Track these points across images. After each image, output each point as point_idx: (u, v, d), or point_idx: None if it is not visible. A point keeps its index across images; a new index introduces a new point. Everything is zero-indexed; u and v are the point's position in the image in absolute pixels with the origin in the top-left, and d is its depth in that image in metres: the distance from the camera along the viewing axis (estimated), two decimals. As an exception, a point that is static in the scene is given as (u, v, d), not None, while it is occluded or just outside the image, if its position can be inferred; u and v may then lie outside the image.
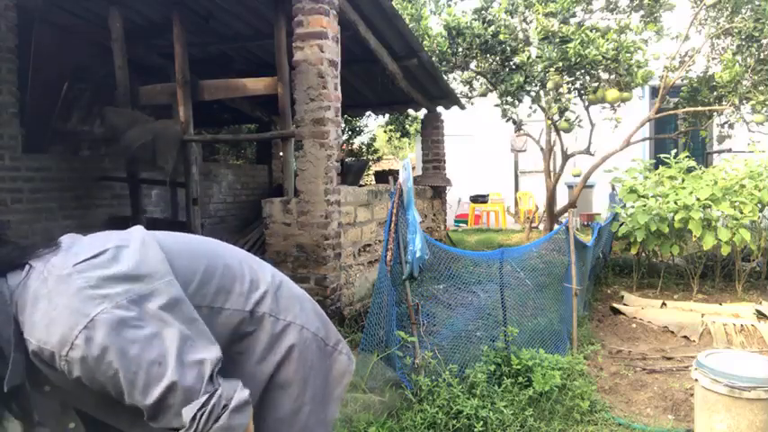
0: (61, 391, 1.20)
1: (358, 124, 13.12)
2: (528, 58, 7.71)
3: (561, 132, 8.33)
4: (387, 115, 11.08)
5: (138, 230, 1.27)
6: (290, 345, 1.35)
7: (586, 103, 8.09)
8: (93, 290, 1.07)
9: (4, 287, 1.09)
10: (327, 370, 1.48)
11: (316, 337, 1.44)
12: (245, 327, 1.32)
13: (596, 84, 7.71)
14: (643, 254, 6.77)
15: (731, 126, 8.22)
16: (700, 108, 7.86)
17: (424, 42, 8.08)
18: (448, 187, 8.88)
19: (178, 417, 1.09)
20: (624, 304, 5.72)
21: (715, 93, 7.80)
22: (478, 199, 13.05)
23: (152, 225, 4.09)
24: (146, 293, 1.12)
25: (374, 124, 14.65)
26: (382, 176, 10.02)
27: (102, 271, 1.10)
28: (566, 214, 8.04)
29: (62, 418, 1.28)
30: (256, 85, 5.33)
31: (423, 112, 8.72)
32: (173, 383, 1.07)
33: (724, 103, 7.63)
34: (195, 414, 1.08)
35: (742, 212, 5.66)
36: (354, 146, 13.88)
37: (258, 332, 1.33)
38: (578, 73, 7.65)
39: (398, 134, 13.05)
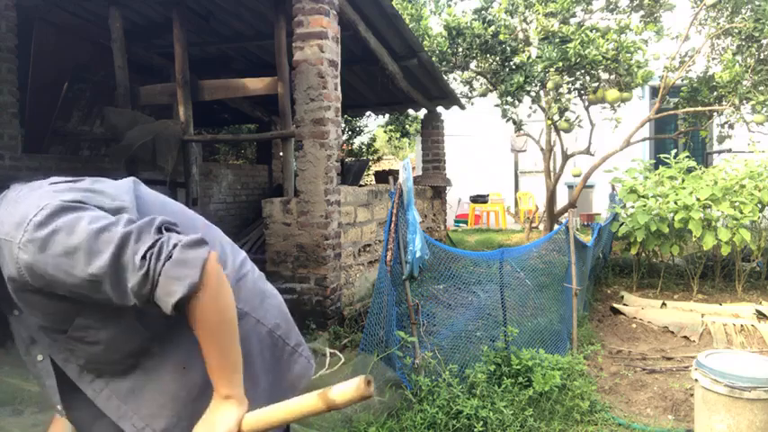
0: (25, 315, 1.21)
1: (358, 124, 13.12)
2: (528, 58, 7.71)
3: (561, 132, 8.33)
4: (387, 115, 11.08)
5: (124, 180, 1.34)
6: (242, 334, 1.29)
7: (586, 103, 8.08)
8: (57, 193, 1.13)
9: None
10: (284, 370, 1.45)
11: (272, 333, 1.42)
12: None
13: (596, 84, 7.71)
14: (643, 254, 6.77)
15: (731, 126, 8.22)
16: (700, 108, 7.86)
17: (424, 42, 8.08)
18: (448, 187, 8.88)
19: (133, 270, 1.07)
20: (624, 304, 5.72)
21: (715, 93, 7.80)
22: (478, 199, 13.05)
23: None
24: (102, 201, 1.17)
25: (374, 124, 14.60)
26: (382, 176, 10.02)
27: (71, 185, 1.18)
28: (566, 214, 8.04)
29: (30, 349, 1.28)
30: (256, 85, 5.33)
31: (423, 112, 8.72)
32: (123, 235, 1.08)
33: (724, 103, 7.63)
34: (144, 254, 1.07)
35: (742, 212, 5.66)
36: (354, 146, 13.88)
37: None
38: (578, 73, 7.65)
39: (398, 134, 13.05)
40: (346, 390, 1.15)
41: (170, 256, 1.08)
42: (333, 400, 1.15)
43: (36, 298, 1.14)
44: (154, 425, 1.29)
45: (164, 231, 1.13)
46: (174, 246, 1.09)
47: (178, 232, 1.16)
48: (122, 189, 1.26)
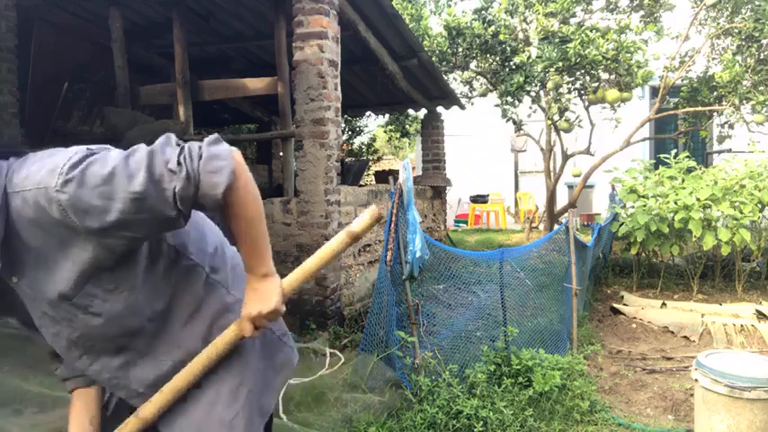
0: (27, 284, 1.23)
1: (358, 124, 13.12)
2: (528, 58, 7.71)
3: (561, 132, 8.33)
4: (387, 115, 11.08)
5: None
6: (236, 319, 1.39)
7: (586, 103, 8.08)
8: (83, 147, 1.20)
9: (4, 164, 1.18)
10: (271, 357, 1.52)
11: None
12: (200, 288, 1.39)
13: (596, 84, 7.71)
14: (643, 254, 6.77)
15: (731, 126, 8.22)
16: (700, 108, 7.86)
17: (424, 42, 8.08)
18: (448, 187, 8.87)
19: (171, 177, 1.15)
20: (624, 304, 5.72)
21: (715, 93, 7.80)
22: (478, 199, 13.05)
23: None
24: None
25: (374, 124, 14.59)
26: (382, 176, 10.02)
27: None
28: (566, 214, 8.04)
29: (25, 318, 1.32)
30: (256, 85, 5.33)
31: (423, 112, 8.72)
32: (150, 151, 1.16)
33: (724, 103, 7.63)
34: (178, 160, 1.16)
35: (742, 212, 5.66)
36: (354, 146, 13.87)
37: (210, 298, 1.41)
38: (578, 73, 7.65)
39: (398, 134, 13.04)
40: (362, 219, 1.36)
41: (200, 156, 1.18)
42: (354, 232, 1.36)
43: (61, 254, 1.18)
44: (148, 392, 1.38)
45: (179, 143, 1.22)
46: (200, 147, 1.20)
47: None
48: None
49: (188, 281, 1.37)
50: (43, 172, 1.13)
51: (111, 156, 1.16)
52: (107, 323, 1.27)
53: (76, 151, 1.16)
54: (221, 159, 1.19)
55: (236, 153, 1.23)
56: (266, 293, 1.32)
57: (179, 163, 1.16)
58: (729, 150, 8.23)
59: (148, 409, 1.36)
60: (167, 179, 1.15)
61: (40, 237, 1.17)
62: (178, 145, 1.21)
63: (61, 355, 1.38)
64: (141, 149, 1.17)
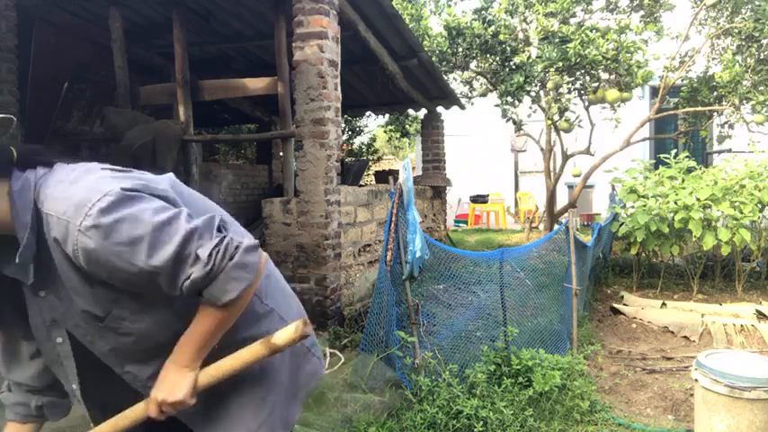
0: (56, 296, 1.23)
1: (358, 124, 13.12)
2: (528, 58, 7.71)
3: (561, 132, 8.33)
4: (387, 115, 11.08)
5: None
6: (267, 330, 1.36)
7: (586, 103, 8.08)
8: (115, 179, 1.16)
9: (32, 175, 1.17)
10: (297, 368, 1.49)
11: None
12: None
13: (596, 84, 7.71)
14: (643, 254, 6.77)
15: (731, 126, 8.22)
16: (700, 108, 7.86)
17: (424, 42, 8.08)
18: (448, 187, 8.88)
19: (195, 264, 1.13)
20: (624, 304, 5.72)
21: (715, 93, 7.80)
22: (478, 199, 13.04)
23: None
24: (155, 188, 1.21)
25: (374, 124, 14.58)
26: (382, 176, 10.02)
27: (125, 174, 1.22)
28: (566, 214, 8.04)
29: (51, 331, 1.30)
30: (256, 85, 5.33)
31: (423, 112, 8.72)
32: (188, 231, 1.13)
33: (724, 103, 7.63)
34: (211, 252, 1.13)
35: (742, 212, 5.66)
36: (354, 146, 13.87)
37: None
38: (578, 73, 7.65)
39: (398, 134, 13.04)
40: (287, 332, 1.28)
41: (232, 257, 1.15)
42: (275, 344, 1.28)
43: (78, 280, 1.17)
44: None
45: (222, 230, 1.19)
46: (237, 248, 1.16)
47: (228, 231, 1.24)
48: (164, 182, 1.29)
49: None
50: (70, 203, 1.10)
51: (146, 216, 1.11)
52: (138, 341, 1.27)
53: (109, 191, 1.10)
54: (246, 271, 1.17)
55: (261, 266, 1.22)
56: (178, 385, 1.25)
57: (209, 255, 1.13)
58: (729, 150, 8.23)
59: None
60: (190, 264, 1.13)
61: (58, 258, 1.16)
62: (219, 231, 1.18)
63: (101, 359, 1.34)
64: (181, 222, 1.14)
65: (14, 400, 1.44)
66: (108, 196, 1.09)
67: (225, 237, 1.17)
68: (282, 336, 1.28)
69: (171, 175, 1.36)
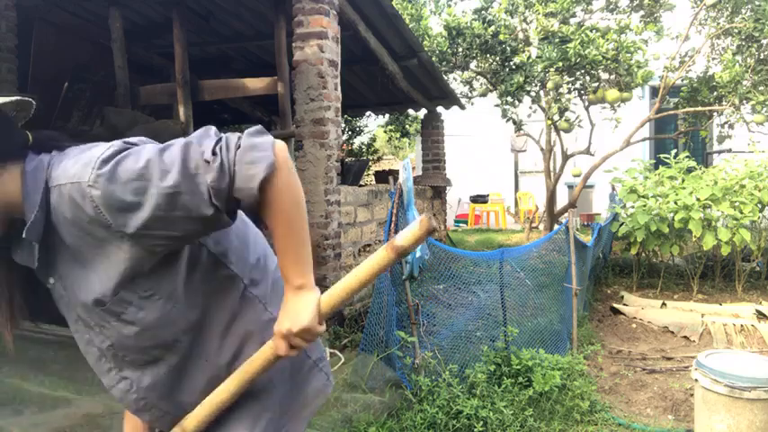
0: (62, 284, 1.21)
1: (358, 124, 13.11)
2: (528, 58, 7.71)
3: (561, 132, 8.33)
4: (387, 115, 11.08)
5: None
6: (266, 339, 1.29)
7: (586, 103, 8.08)
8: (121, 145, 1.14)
9: (46, 158, 1.16)
10: (301, 383, 1.40)
11: None
12: (236, 301, 1.29)
13: (596, 84, 7.71)
14: (643, 254, 6.77)
15: (731, 126, 8.22)
16: (700, 108, 7.86)
17: (424, 42, 8.08)
18: (448, 187, 8.88)
19: (207, 168, 1.07)
20: (624, 304, 5.72)
21: (715, 93, 7.79)
22: (478, 199, 13.04)
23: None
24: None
25: (374, 124, 14.57)
26: (382, 176, 10.01)
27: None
28: (566, 214, 8.03)
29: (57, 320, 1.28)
30: (256, 85, 5.33)
31: (423, 112, 8.72)
32: (186, 142, 1.10)
33: (724, 103, 7.63)
34: (213, 149, 1.08)
35: (742, 212, 5.66)
36: (354, 146, 13.87)
37: (246, 313, 1.31)
38: (578, 73, 7.64)
39: (398, 134, 13.04)
40: (411, 231, 1.14)
41: (239, 146, 1.09)
42: (401, 246, 1.14)
43: (92, 255, 1.14)
44: (173, 411, 1.31)
45: (219, 134, 1.15)
46: (239, 137, 1.11)
47: None
48: None
49: (224, 292, 1.27)
50: (78, 165, 1.09)
51: (146, 149, 1.10)
52: (140, 333, 1.21)
53: (111, 145, 1.11)
54: (260, 150, 1.09)
55: (278, 145, 1.13)
56: (299, 308, 1.18)
57: (214, 153, 1.08)
58: (729, 150, 8.23)
59: (191, 423, 1.29)
60: (202, 171, 1.07)
61: (76, 234, 1.12)
62: (217, 136, 1.13)
63: (92, 367, 1.31)
64: (177, 142, 1.12)
65: None
66: (110, 148, 1.10)
67: (222, 136, 1.13)
68: (407, 234, 1.14)
69: None
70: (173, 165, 1.08)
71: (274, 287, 1.37)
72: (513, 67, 7.99)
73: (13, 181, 1.14)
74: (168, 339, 1.23)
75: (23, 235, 1.11)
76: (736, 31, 7.40)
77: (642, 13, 7.83)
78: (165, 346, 1.24)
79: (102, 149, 1.10)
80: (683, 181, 6.19)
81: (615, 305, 5.67)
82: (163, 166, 1.08)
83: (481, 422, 2.82)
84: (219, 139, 1.11)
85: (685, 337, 4.82)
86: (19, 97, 1.18)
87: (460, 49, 8.07)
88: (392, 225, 3.38)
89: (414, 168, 11.67)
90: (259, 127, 1.15)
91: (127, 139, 1.15)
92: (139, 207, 1.07)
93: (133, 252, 1.12)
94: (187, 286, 1.21)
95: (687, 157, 6.58)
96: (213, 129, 1.16)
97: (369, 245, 5.55)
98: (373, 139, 14.55)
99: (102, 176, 1.06)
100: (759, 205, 5.82)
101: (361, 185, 8.05)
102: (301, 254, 1.21)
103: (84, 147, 1.17)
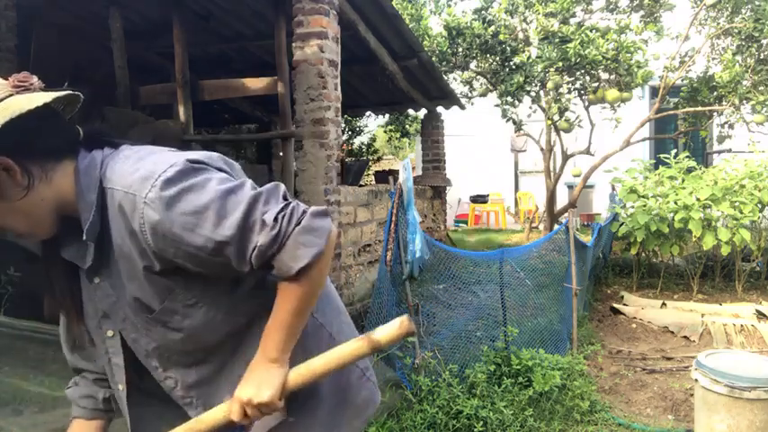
0: (110, 283, 1.19)
1: (358, 124, 13.11)
2: (528, 58, 7.71)
3: (561, 132, 8.33)
4: (387, 115, 11.07)
5: None
6: (312, 347, 1.27)
7: (586, 103, 8.08)
8: (182, 154, 1.13)
9: (99, 155, 1.14)
10: (351, 394, 1.38)
11: None
12: None
13: (596, 84, 7.71)
14: (643, 254, 6.77)
15: (731, 126, 8.22)
16: (700, 108, 7.85)
17: (424, 42, 8.07)
18: (448, 187, 8.88)
19: (262, 230, 1.07)
20: (624, 304, 5.72)
21: (715, 93, 7.79)
22: (478, 199, 13.04)
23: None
24: (220, 165, 1.20)
25: (374, 124, 14.57)
26: (382, 176, 10.00)
27: (189, 152, 1.18)
28: (566, 214, 8.03)
29: (102, 323, 1.25)
30: (256, 85, 5.33)
31: (423, 112, 8.72)
32: (253, 197, 1.09)
33: (724, 103, 7.63)
34: (276, 216, 1.08)
35: (742, 212, 5.66)
36: (354, 146, 13.86)
37: None
38: (578, 73, 7.64)
39: (398, 134, 13.04)
40: (390, 329, 1.15)
41: (299, 222, 1.09)
42: (377, 341, 1.15)
43: (137, 265, 1.13)
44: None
45: (287, 198, 1.15)
46: (304, 212, 1.11)
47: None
48: (219, 159, 1.25)
49: (271, 299, 1.23)
50: (137, 176, 1.07)
51: (211, 186, 1.07)
52: (185, 339, 1.21)
53: (175, 162, 1.08)
54: (317, 236, 1.10)
55: (332, 234, 1.14)
56: (265, 381, 1.16)
57: (275, 219, 1.07)
58: (729, 150, 8.23)
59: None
60: (257, 230, 1.07)
61: (120, 238, 1.12)
62: (285, 199, 1.13)
63: (141, 361, 1.28)
64: (246, 190, 1.10)
65: (81, 393, 1.38)
66: (174, 167, 1.07)
67: (290, 203, 1.12)
68: (385, 332, 1.15)
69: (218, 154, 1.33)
70: (232, 215, 1.07)
71: (325, 290, 1.37)
72: (513, 67, 7.99)
73: (66, 178, 1.12)
74: (213, 343, 1.24)
75: (84, 237, 1.10)
76: (736, 31, 7.40)
77: (642, 13, 7.83)
78: (209, 349, 1.24)
79: (164, 165, 1.07)
80: (683, 181, 6.19)
81: (615, 305, 5.67)
82: (223, 212, 1.07)
83: (481, 422, 2.82)
84: (285, 206, 1.11)
85: (685, 337, 4.82)
86: (69, 91, 1.15)
87: (460, 49, 8.07)
88: (392, 225, 3.38)
89: (414, 168, 11.66)
90: (323, 209, 1.15)
91: (192, 158, 1.12)
92: (183, 242, 1.07)
93: (164, 268, 1.13)
94: (231, 296, 1.21)
95: (687, 157, 6.57)
96: (283, 189, 1.15)
97: (369, 245, 5.55)
98: (373, 139, 14.54)
99: (160, 200, 1.04)
100: (759, 205, 5.82)
101: (361, 185, 8.05)
102: (291, 335, 1.19)
103: (143, 151, 1.15)
